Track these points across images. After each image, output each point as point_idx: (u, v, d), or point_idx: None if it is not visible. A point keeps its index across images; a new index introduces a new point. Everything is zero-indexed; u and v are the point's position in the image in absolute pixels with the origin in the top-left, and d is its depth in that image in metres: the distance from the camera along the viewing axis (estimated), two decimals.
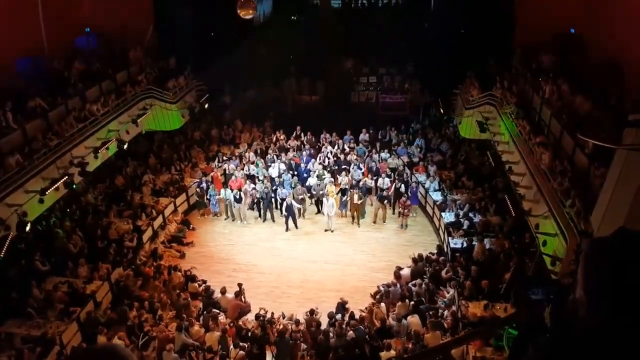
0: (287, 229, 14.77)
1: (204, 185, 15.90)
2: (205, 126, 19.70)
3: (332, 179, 15.91)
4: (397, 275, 11.52)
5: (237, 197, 15.05)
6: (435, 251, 12.69)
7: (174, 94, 15.67)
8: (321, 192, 15.33)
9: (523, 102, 12.25)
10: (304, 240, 14.56)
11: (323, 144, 18.21)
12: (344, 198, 15.21)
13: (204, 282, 11.99)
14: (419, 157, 17.56)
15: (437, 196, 14.97)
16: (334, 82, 21.37)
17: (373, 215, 15.34)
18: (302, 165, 16.78)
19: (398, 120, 19.78)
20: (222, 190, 15.42)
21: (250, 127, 20.02)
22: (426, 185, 15.64)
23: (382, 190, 15.33)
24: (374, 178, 16.05)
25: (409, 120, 20.03)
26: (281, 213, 15.48)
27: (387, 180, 15.78)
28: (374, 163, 16.84)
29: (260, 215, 15.55)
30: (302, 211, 15.37)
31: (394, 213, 15.64)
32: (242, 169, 16.76)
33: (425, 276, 11.55)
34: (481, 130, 13.51)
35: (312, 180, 15.87)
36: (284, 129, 19.12)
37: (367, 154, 18.20)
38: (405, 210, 14.72)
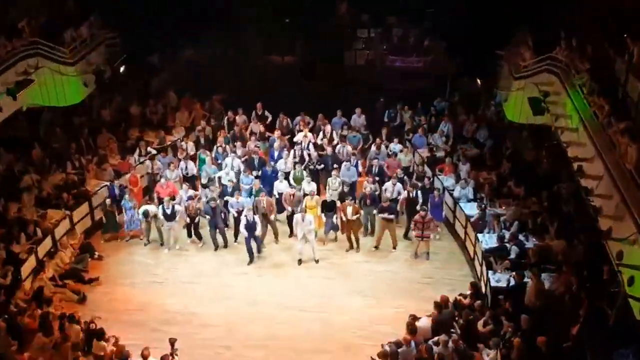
0: (250, 261, 14.86)
1: (116, 191, 15.79)
2: (121, 101, 19.50)
3: (312, 184, 15.95)
4: (412, 328, 11.49)
5: (168, 210, 14.96)
6: (469, 292, 12.73)
7: (73, 51, 15.48)
8: (298, 200, 15.32)
9: (600, 71, 12.37)
10: (270, 275, 14.53)
11: (300, 130, 18.24)
12: (332, 216, 15.23)
13: (116, 340, 11.80)
14: (445, 151, 17.68)
15: (472, 209, 15.06)
16: (319, 37, 21.37)
17: (376, 239, 15.39)
18: (269, 164, 16.79)
19: (414, 94, 19.90)
20: (144, 205, 15.35)
21: (190, 103, 19.91)
22: (455, 193, 15.73)
23: (391, 200, 15.35)
24: (377, 181, 16.11)
25: (430, 95, 20.17)
26: (236, 237, 15.49)
27: (398, 185, 15.84)
28: (376, 159, 16.87)
29: (200, 239, 15.55)
30: (270, 233, 15.34)
31: (406, 236, 15.69)
32: (177, 168, 16.66)
33: (453, 330, 11.57)
34: (536, 112, 13.60)
35: (281, 186, 15.88)
36: (241, 107, 19.06)
37: (366, 145, 18.33)
38: (424, 231, 14.74)
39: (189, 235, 15.59)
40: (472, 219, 14.71)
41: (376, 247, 15.27)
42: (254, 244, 14.77)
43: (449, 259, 15.05)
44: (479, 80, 18.58)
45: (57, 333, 11.65)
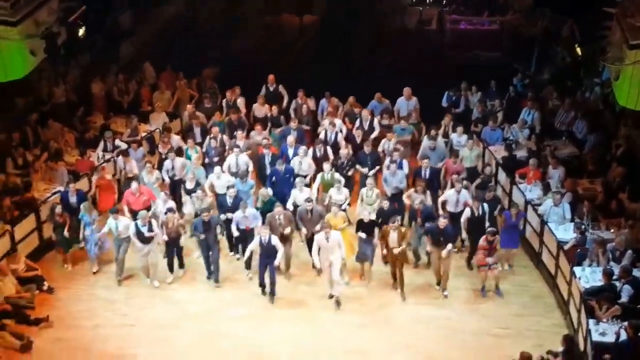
0: (265, 292, 14.89)
1: (73, 199, 15.90)
2: (79, 75, 19.67)
3: (343, 191, 16.06)
4: None
5: (145, 229, 15.02)
6: (561, 349, 12.57)
7: (15, 7, 15.52)
8: (318, 216, 15.25)
9: None
10: (282, 320, 14.50)
11: (326, 117, 18.34)
12: (370, 241, 15.09)
13: None
14: (529, 149, 17.64)
15: (566, 232, 15.03)
16: None
17: (434, 272, 15.28)
18: (279, 164, 16.76)
19: (485, 69, 19.82)
20: (110, 218, 15.25)
21: (172, 79, 20.07)
22: (542, 209, 15.69)
23: (453, 215, 15.33)
24: (428, 190, 16.10)
25: (508, 71, 20.09)
26: (248, 266, 15.51)
27: (463, 193, 15.79)
28: (427, 158, 16.82)
29: (182, 268, 15.67)
30: (285, 260, 15.38)
31: (469, 266, 15.71)
32: (156, 168, 16.78)
33: None
34: None
35: (299, 195, 15.91)
36: (242, 85, 19.22)
37: (417, 136, 18.32)
38: (491, 258, 14.69)
39: (169, 264, 15.59)
40: (566, 247, 14.59)
41: (438, 284, 15.18)
42: (267, 275, 14.78)
43: (533, 302, 14.90)
44: (578, 50, 18.45)
45: None
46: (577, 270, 13.98)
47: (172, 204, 15.79)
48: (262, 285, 14.89)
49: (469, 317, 14.51)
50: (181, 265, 15.66)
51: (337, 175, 16.36)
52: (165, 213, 15.33)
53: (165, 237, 15.18)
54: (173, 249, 15.45)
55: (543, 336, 13.75)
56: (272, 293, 14.91)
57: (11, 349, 13.37)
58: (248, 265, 15.57)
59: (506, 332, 14.06)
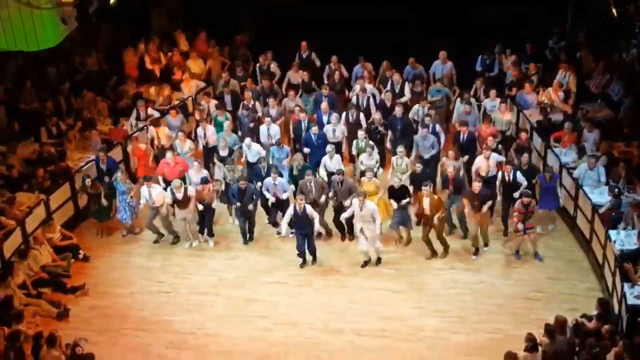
0: (303, 262, 15.00)
1: (103, 166, 16.03)
2: (111, 44, 19.69)
3: (374, 156, 16.03)
4: None
5: (180, 196, 15.18)
6: (595, 312, 12.54)
7: None
8: (348, 188, 15.22)
9: None
10: (316, 286, 14.62)
11: (358, 82, 18.32)
12: (405, 206, 15.15)
13: None
14: (564, 113, 17.49)
15: (601, 196, 14.94)
16: None
17: (471, 238, 15.26)
18: (313, 129, 16.72)
19: (518, 29, 19.52)
20: (144, 187, 15.39)
21: (204, 45, 20.03)
22: (577, 173, 15.60)
23: (485, 180, 15.21)
24: (464, 157, 16.07)
25: (543, 33, 19.81)
26: (274, 224, 15.61)
27: (494, 157, 15.70)
28: (466, 124, 16.66)
29: (212, 236, 15.71)
30: (322, 227, 15.39)
31: (506, 233, 15.70)
32: (189, 137, 16.86)
33: None
34: None
35: (332, 163, 15.89)
36: (274, 49, 19.21)
37: (450, 99, 18.20)
38: (527, 222, 14.63)
39: (201, 232, 15.85)
40: (601, 210, 14.49)
41: (476, 252, 15.16)
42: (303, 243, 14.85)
43: (568, 267, 14.87)
44: (614, 10, 18.11)
45: (31, 359, 11.83)
46: (612, 233, 13.85)
47: (205, 172, 15.88)
48: (300, 255, 14.93)
49: (503, 281, 14.52)
50: (210, 234, 15.74)
51: (370, 142, 16.30)
52: (199, 184, 15.43)
53: (200, 207, 15.32)
54: (204, 216, 15.56)
55: (577, 300, 13.76)
56: (314, 259, 15.06)
57: (48, 317, 13.55)
58: (275, 223, 15.70)
59: (540, 296, 14.05)
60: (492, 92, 17.82)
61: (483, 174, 15.46)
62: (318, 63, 19.25)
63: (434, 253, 15.14)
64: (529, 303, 13.85)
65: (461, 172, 15.82)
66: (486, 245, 15.26)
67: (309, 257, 15.01)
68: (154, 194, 15.24)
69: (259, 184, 15.56)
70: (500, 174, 15.31)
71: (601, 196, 14.87)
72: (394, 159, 15.99)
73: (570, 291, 14.14)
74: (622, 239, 13.67)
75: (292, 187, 15.68)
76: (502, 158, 15.72)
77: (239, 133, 17.43)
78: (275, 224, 15.72)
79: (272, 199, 15.38)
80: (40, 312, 13.61)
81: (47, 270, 14.46)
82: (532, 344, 11.36)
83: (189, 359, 12.50)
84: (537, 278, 14.57)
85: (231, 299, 14.21)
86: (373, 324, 13.50)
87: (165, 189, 15.48)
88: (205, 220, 15.62)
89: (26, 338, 12.19)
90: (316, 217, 14.60)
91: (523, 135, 16.65)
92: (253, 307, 13.97)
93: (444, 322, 13.52)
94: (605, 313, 12.44)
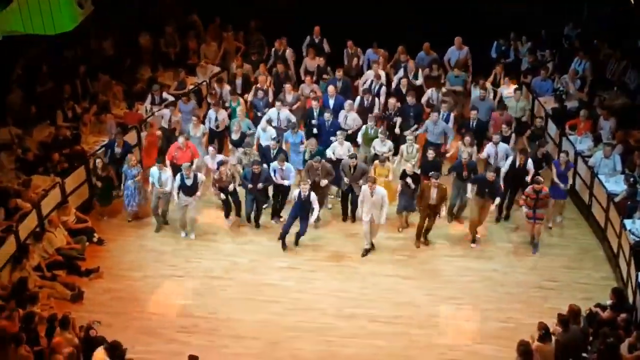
0: (285, 244, 15.06)
1: (118, 150, 16.03)
2: (127, 28, 19.67)
3: (387, 143, 16.00)
4: (524, 350, 11.30)
5: (189, 181, 15.09)
6: (609, 302, 12.50)
7: None
8: (361, 172, 15.19)
9: None
10: (327, 271, 14.64)
11: (373, 67, 18.27)
12: (415, 190, 15.05)
13: (122, 352, 11.96)
14: (580, 101, 17.41)
15: (617, 184, 14.90)
16: None
17: (470, 226, 15.28)
18: (325, 115, 16.65)
19: (532, 17, 19.55)
20: (155, 168, 15.33)
21: (219, 30, 19.98)
22: (592, 161, 15.54)
23: (495, 169, 15.15)
24: (475, 143, 15.94)
25: (558, 19, 19.70)
26: (274, 215, 15.75)
27: (501, 146, 15.67)
28: (476, 109, 16.66)
29: (237, 214, 15.79)
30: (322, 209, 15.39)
31: (506, 217, 15.72)
32: (203, 122, 16.82)
33: (586, 356, 11.45)
34: None
35: (341, 150, 15.84)
36: (288, 35, 19.21)
37: (464, 86, 18.23)
38: (538, 211, 14.54)
39: (226, 213, 15.86)
40: (616, 199, 14.45)
41: (473, 241, 15.19)
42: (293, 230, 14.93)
43: (582, 256, 14.84)
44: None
45: (44, 341, 11.84)
46: (628, 222, 13.78)
47: (221, 157, 15.84)
48: (284, 234, 14.92)
49: (517, 269, 14.53)
50: (238, 213, 15.82)
51: (381, 129, 16.21)
52: (217, 168, 15.40)
53: (222, 196, 15.35)
54: (227, 196, 15.56)
55: (592, 289, 13.76)
56: (296, 243, 15.10)
57: (62, 299, 13.61)
58: (275, 213, 15.81)
59: (554, 285, 14.05)
60: (507, 79, 17.79)
61: (490, 161, 15.43)
62: (327, 49, 19.19)
63: (420, 242, 15.14)
64: (542, 292, 13.86)
65: (474, 157, 15.71)
66: (473, 241, 15.20)
67: (290, 240, 15.02)
68: (164, 176, 15.20)
69: (266, 165, 15.55)
70: (509, 160, 15.22)
71: (617, 185, 14.81)
72: (403, 147, 15.91)
73: (584, 280, 14.13)
74: (638, 228, 13.60)
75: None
76: (510, 151, 15.58)
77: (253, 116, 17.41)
78: (275, 212, 15.83)
79: (281, 181, 15.35)
80: (55, 295, 13.67)
81: (62, 253, 14.50)
82: (544, 332, 11.27)
83: (200, 343, 12.51)
84: (551, 267, 14.55)
85: (243, 284, 14.25)
86: (385, 310, 13.55)
87: (175, 172, 15.38)
88: (231, 199, 15.60)
89: (40, 320, 12.22)
90: (316, 207, 14.66)
91: (537, 121, 16.60)
92: (265, 292, 14.01)
93: (456, 309, 13.56)
94: (619, 303, 12.39)
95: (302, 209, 14.66)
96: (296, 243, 15.11)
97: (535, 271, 14.44)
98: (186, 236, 15.54)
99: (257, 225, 15.71)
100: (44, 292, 13.45)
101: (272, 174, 15.35)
